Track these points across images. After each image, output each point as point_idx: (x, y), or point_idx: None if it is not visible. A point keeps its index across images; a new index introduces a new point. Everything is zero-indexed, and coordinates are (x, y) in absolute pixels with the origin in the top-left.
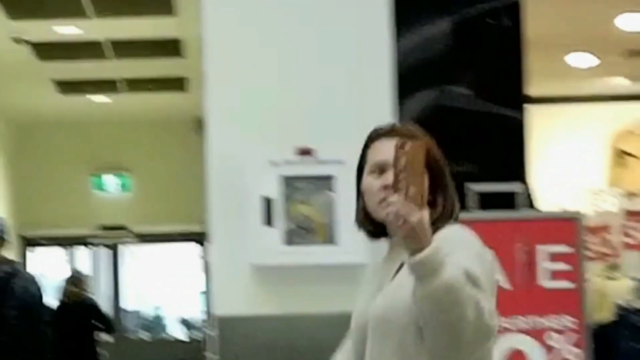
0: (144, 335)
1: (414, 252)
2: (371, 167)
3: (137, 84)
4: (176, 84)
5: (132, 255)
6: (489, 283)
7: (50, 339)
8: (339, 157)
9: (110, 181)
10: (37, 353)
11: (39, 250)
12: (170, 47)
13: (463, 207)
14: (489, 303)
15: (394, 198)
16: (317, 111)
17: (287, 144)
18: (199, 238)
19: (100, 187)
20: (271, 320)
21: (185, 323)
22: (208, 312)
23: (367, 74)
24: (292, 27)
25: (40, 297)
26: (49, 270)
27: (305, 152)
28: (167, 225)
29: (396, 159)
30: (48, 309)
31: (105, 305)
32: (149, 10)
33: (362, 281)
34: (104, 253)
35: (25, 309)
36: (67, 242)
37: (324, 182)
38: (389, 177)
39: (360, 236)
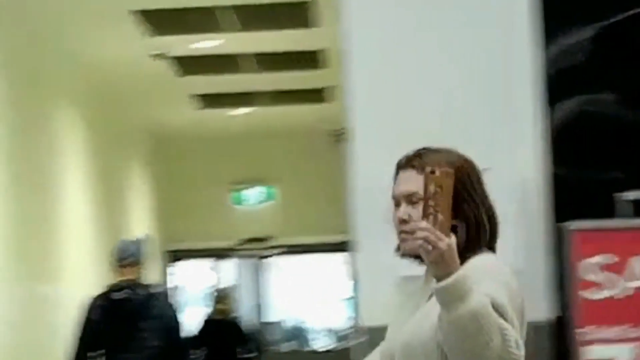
0: (289, 347)
1: (441, 278)
2: (393, 198)
3: (276, 97)
4: (315, 95)
5: (276, 266)
6: (515, 313)
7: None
8: (482, 166)
9: (252, 193)
10: None
11: (184, 263)
12: (309, 59)
13: (611, 215)
14: (515, 333)
15: (423, 224)
16: (461, 120)
17: None
18: (343, 248)
19: (240, 200)
20: None
21: (331, 333)
22: (355, 322)
23: (512, 82)
24: (434, 35)
25: (176, 318)
26: (193, 283)
27: None
28: (311, 236)
29: (426, 185)
30: (184, 326)
31: (249, 317)
32: (287, 23)
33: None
34: (248, 265)
35: (161, 331)
36: (211, 254)
37: None
38: (403, 209)
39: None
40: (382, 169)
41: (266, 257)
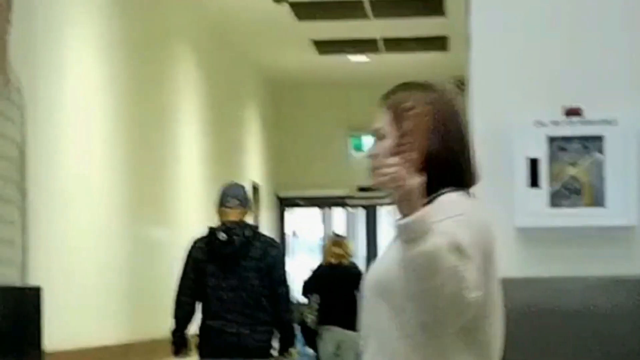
0: None
1: (405, 216)
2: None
3: (396, 44)
4: (436, 43)
5: (389, 216)
6: (479, 254)
7: (289, 299)
8: (608, 117)
9: (368, 142)
10: (277, 313)
11: (296, 210)
12: (430, 5)
13: None
14: (472, 274)
15: (391, 160)
16: (586, 70)
17: (554, 104)
18: None
19: (358, 147)
20: (537, 283)
21: None
22: None
23: None
24: None
25: (280, 259)
26: (307, 231)
27: (573, 112)
28: None
29: (400, 122)
30: (288, 272)
31: (362, 265)
32: None
33: None
34: (360, 214)
35: (264, 271)
36: (323, 203)
37: (593, 142)
38: (372, 145)
39: (631, 198)
40: (503, 118)
41: (379, 205)
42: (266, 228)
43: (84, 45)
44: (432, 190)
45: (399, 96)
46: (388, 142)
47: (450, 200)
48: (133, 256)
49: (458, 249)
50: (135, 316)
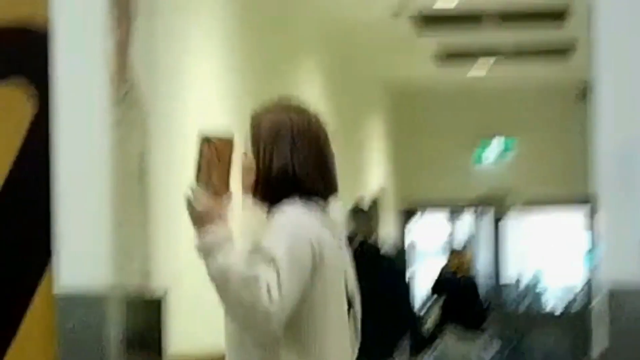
0: (525, 307)
1: (199, 236)
2: None
3: (517, 54)
4: (557, 53)
5: (515, 222)
6: (295, 264)
7: (413, 311)
8: None
9: (491, 150)
10: (400, 323)
11: (420, 218)
12: (552, 15)
13: None
14: (276, 282)
15: (192, 186)
16: None
17: None
18: (583, 205)
19: (480, 156)
20: None
21: (569, 292)
22: (595, 281)
23: None
24: None
25: (404, 275)
26: (429, 239)
27: None
28: (549, 193)
29: (200, 151)
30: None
31: (484, 274)
32: None
33: None
34: (486, 221)
35: (388, 285)
36: (448, 210)
37: None
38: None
39: None
40: (628, 125)
41: (503, 214)
42: (390, 236)
43: (206, 56)
44: (279, 198)
45: (254, 116)
46: (247, 157)
47: (281, 211)
48: None
49: (269, 260)
50: None
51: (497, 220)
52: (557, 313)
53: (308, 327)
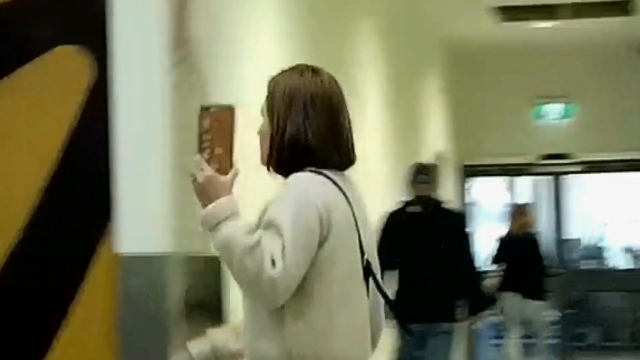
0: (587, 265)
1: (204, 207)
2: None
3: (579, 9)
4: (620, 7)
5: (575, 183)
6: (300, 232)
7: (474, 267)
8: None
9: (552, 109)
10: (464, 280)
11: (480, 179)
12: None
13: None
14: (282, 251)
15: (196, 158)
16: None
17: None
18: None
19: (541, 115)
20: None
21: (629, 252)
22: None
23: None
24: None
25: (464, 230)
26: (490, 199)
27: None
28: (610, 154)
29: (200, 120)
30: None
31: (546, 234)
32: None
33: None
34: (545, 182)
35: (451, 243)
36: (507, 171)
37: None
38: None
39: None
40: None
41: (564, 174)
42: (450, 197)
43: (264, 20)
44: (292, 170)
45: (271, 80)
46: (263, 123)
47: (292, 181)
48: None
49: (276, 228)
50: None
51: (558, 179)
52: (620, 270)
53: (314, 294)
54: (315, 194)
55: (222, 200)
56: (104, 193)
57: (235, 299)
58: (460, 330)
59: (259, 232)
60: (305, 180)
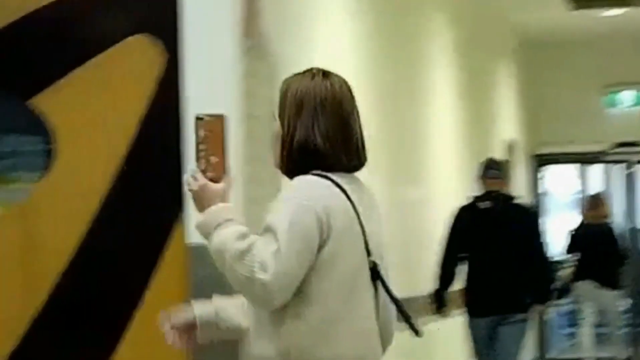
0: None
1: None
2: None
3: None
4: None
5: None
6: (295, 235)
7: (547, 259)
8: None
9: (625, 96)
10: (536, 272)
11: (551, 167)
12: None
13: None
14: (274, 255)
15: (191, 167)
16: None
17: None
18: None
19: (613, 102)
20: None
21: None
22: None
23: None
24: None
25: (535, 224)
26: (561, 188)
27: None
28: None
29: (195, 130)
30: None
31: (619, 223)
32: None
33: None
34: (617, 170)
35: (522, 238)
36: (579, 159)
37: None
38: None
39: None
40: None
41: (638, 162)
42: (522, 186)
43: (334, 5)
44: (301, 172)
45: (284, 82)
46: (276, 125)
47: (293, 184)
48: (390, 216)
49: (271, 232)
50: (392, 273)
51: (630, 167)
52: None
53: (314, 297)
54: (315, 198)
55: (213, 208)
56: (175, 183)
57: None
58: (532, 320)
59: (252, 237)
60: (306, 184)
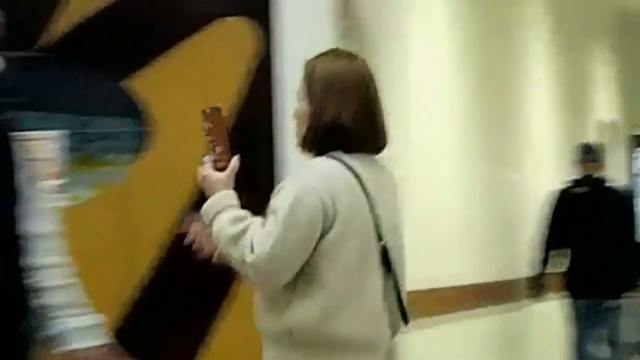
0: None
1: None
2: None
3: None
4: None
5: None
6: (293, 218)
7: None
8: None
9: None
10: (630, 255)
11: None
12: None
13: None
14: (268, 237)
15: (205, 157)
16: None
17: None
18: None
19: None
20: None
21: None
22: None
23: None
24: None
25: (630, 208)
26: None
27: None
28: None
29: (203, 123)
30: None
31: None
32: None
33: None
34: None
35: (619, 223)
36: None
37: None
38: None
39: None
40: None
41: None
42: (617, 168)
43: None
44: (325, 152)
45: (307, 64)
46: (300, 107)
47: (303, 167)
48: (486, 199)
49: (273, 213)
50: (488, 257)
51: None
52: None
53: (320, 278)
54: (320, 182)
55: (214, 197)
56: (268, 164)
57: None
58: (634, 304)
59: (249, 220)
60: (314, 168)
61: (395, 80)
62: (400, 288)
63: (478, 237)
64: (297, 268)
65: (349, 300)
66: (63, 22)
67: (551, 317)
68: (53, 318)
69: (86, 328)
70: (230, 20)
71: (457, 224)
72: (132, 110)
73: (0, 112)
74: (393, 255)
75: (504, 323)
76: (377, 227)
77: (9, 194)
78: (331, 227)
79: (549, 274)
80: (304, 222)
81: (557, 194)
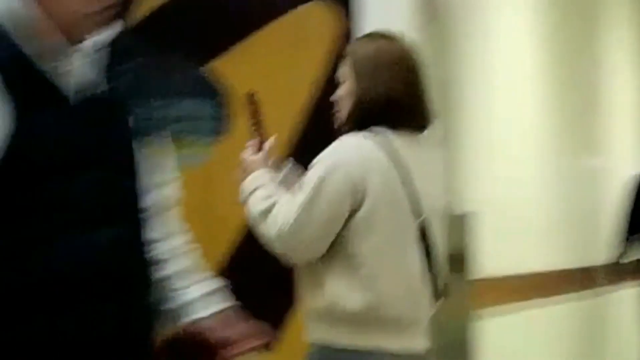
0: None
1: None
2: None
3: None
4: None
5: None
6: (321, 193)
7: None
8: None
9: None
10: None
11: None
12: None
13: None
14: (291, 210)
15: (249, 142)
16: None
17: None
18: None
19: None
20: None
21: None
22: None
23: None
24: None
25: None
26: None
27: None
28: None
29: (246, 109)
30: None
31: None
32: None
33: None
34: None
35: None
36: None
37: None
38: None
39: None
40: None
41: None
42: None
43: None
44: (366, 128)
45: (353, 44)
46: (344, 87)
47: (335, 144)
48: (564, 184)
49: (303, 188)
50: (567, 243)
51: None
52: None
53: (354, 254)
54: (352, 158)
55: (249, 177)
56: None
57: (481, 254)
58: None
59: (276, 196)
60: (346, 145)
61: (476, 68)
62: (438, 266)
63: (559, 223)
64: (325, 242)
65: (386, 276)
66: (145, 6)
67: (631, 303)
68: (175, 290)
69: (207, 294)
70: (315, 4)
71: (537, 209)
72: (214, 93)
73: (116, 78)
74: (430, 231)
75: (583, 310)
76: (414, 203)
77: (131, 169)
78: (361, 203)
79: (629, 261)
80: (331, 196)
81: (637, 179)
